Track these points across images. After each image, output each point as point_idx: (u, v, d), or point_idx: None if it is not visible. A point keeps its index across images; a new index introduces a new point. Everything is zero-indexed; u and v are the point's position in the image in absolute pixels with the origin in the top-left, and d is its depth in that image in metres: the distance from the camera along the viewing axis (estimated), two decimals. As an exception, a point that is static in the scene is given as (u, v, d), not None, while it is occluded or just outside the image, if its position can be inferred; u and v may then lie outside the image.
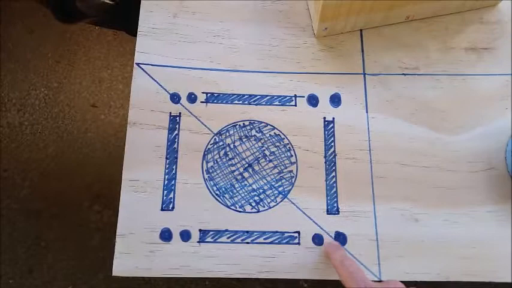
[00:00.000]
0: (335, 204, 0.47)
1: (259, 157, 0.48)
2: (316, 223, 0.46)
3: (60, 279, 1.17)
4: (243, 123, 0.49)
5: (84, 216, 1.20)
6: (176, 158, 0.48)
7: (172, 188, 0.47)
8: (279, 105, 0.50)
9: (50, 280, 1.17)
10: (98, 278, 1.17)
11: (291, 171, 0.48)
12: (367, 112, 0.50)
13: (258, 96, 0.50)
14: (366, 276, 0.39)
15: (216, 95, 0.50)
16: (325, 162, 0.48)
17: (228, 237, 0.46)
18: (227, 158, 0.48)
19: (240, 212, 0.47)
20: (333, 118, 0.50)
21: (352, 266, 0.40)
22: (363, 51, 0.52)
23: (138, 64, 0.50)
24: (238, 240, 0.46)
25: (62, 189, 1.22)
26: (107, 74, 1.31)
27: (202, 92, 0.50)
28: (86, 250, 1.18)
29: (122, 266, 0.45)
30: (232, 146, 0.49)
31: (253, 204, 0.47)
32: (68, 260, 1.18)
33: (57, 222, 1.20)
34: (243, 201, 0.47)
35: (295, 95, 0.50)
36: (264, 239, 0.46)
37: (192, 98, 0.50)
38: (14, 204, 1.21)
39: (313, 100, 0.50)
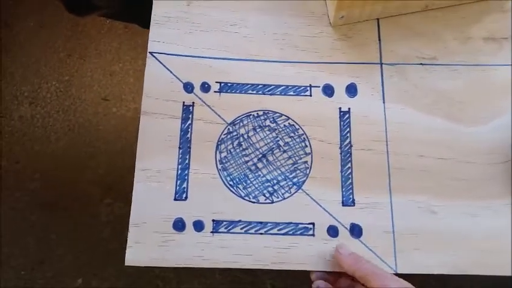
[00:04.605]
0: (350, 196, 0.46)
1: (273, 147, 0.48)
2: (331, 215, 0.45)
3: (71, 272, 1.17)
4: (257, 113, 0.49)
5: (95, 209, 1.20)
6: (189, 147, 0.47)
7: (186, 177, 0.46)
8: (293, 95, 0.49)
9: (61, 272, 1.17)
10: (109, 271, 1.17)
11: (305, 162, 0.47)
12: (384, 102, 0.49)
13: (273, 86, 0.49)
14: None
15: (229, 84, 0.49)
16: (341, 153, 0.47)
17: (241, 228, 0.45)
18: (241, 148, 0.48)
19: (253, 202, 0.46)
20: (349, 108, 0.49)
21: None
22: (380, 40, 0.51)
23: (151, 53, 0.50)
24: (252, 231, 0.45)
25: (73, 181, 1.23)
26: (118, 68, 1.31)
27: (216, 82, 0.49)
28: (96, 243, 1.18)
29: (135, 255, 0.44)
30: (246, 136, 0.48)
31: (267, 195, 0.46)
32: (79, 253, 1.18)
33: (68, 215, 1.21)
34: (256, 192, 0.46)
35: (310, 85, 0.49)
36: (278, 230, 0.45)
37: (205, 87, 0.49)
38: (25, 197, 1.22)
39: (328, 90, 0.49)
